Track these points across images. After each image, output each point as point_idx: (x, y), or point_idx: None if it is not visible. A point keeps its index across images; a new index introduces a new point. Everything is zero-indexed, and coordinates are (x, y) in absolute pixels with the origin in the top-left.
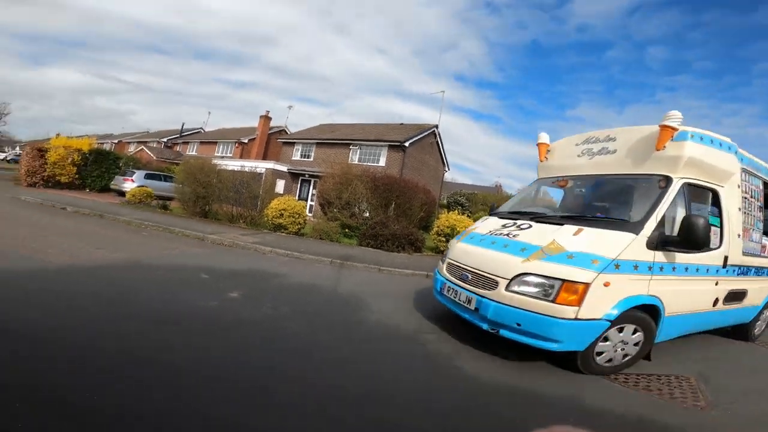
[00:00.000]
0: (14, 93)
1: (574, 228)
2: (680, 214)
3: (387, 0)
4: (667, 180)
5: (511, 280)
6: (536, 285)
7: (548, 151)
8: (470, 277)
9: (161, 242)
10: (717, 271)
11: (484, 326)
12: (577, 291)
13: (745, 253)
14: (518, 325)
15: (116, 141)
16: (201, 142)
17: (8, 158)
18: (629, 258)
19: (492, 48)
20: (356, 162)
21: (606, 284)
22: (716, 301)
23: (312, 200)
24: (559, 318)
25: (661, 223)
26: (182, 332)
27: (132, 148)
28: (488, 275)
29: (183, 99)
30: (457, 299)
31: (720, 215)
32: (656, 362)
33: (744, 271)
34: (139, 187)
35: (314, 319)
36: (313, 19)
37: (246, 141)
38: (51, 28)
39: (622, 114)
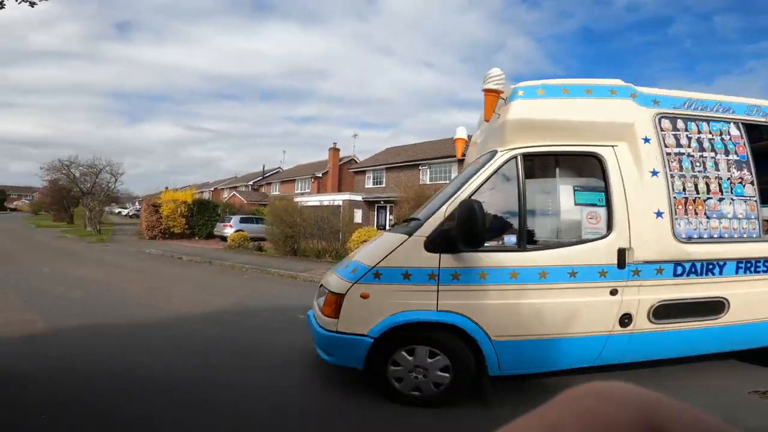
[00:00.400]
0: (124, 152)
1: (382, 233)
2: (512, 198)
3: (420, 14)
4: (492, 156)
5: (318, 290)
6: (321, 295)
7: (467, 145)
8: None
9: (261, 284)
10: (602, 274)
11: None
12: (334, 302)
13: (692, 240)
14: (310, 333)
15: (212, 189)
16: (281, 181)
17: (130, 214)
18: (396, 265)
19: (541, 43)
20: (428, 182)
21: (363, 296)
22: (628, 319)
23: (390, 226)
24: (325, 329)
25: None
26: (291, 376)
27: (225, 194)
28: None
29: (258, 141)
30: None
31: (606, 188)
32: None
33: (698, 269)
34: (236, 231)
35: None
36: (355, 46)
37: (320, 175)
38: (134, 86)
39: (711, 86)
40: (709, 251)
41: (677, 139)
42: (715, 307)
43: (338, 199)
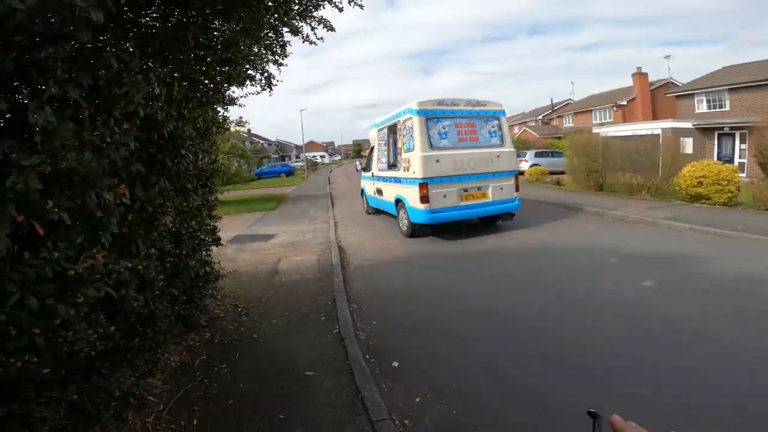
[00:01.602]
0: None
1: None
2: (372, 159)
3: None
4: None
5: None
6: None
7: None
8: None
9: (564, 221)
10: (371, 177)
11: None
12: None
13: (380, 170)
14: None
15: None
16: (574, 112)
17: None
18: (364, 175)
19: None
20: None
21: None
22: (377, 192)
23: (742, 157)
24: None
25: (368, 164)
26: (595, 326)
27: (516, 130)
28: None
29: (538, 75)
30: None
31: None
32: None
33: (379, 178)
34: (532, 165)
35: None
36: None
37: (624, 102)
38: (419, 46)
39: None
40: (381, 174)
41: (378, 138)
42: (381, 192)
43: (656, 127)
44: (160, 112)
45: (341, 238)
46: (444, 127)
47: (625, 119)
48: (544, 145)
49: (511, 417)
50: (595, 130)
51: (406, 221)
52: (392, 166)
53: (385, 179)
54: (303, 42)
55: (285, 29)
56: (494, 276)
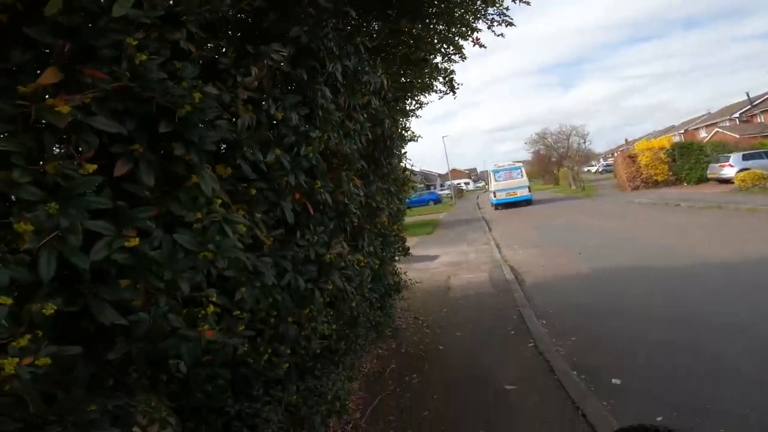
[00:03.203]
0: (570, 118)
1: None
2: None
3: None
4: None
5: None
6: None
7: None
8: None
9: None
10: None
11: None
12: None
13: (490, 188)
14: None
15: (681, 131)
16: None
17: (599, 170)
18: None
19: None
20: None
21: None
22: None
23: None
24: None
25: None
26: None
27: (703, 134)
28: None
29: (709, 71)
30: None
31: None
32: None
33: (489, 191)
34: (740, 170)
35: None
36: None
37: None
38: (549, 59)
39: None
40: (491, 189)
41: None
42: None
43: None
44: (380, 108)
45: (507, 257)
46: (500, 175)
47: None
48: (751, 146)
49: None
50: None
51: (492, 205)
52: (489, 186)
53: (490, 191)
54: (473, 45)
55: (464, 29)
56: (686, 288)
